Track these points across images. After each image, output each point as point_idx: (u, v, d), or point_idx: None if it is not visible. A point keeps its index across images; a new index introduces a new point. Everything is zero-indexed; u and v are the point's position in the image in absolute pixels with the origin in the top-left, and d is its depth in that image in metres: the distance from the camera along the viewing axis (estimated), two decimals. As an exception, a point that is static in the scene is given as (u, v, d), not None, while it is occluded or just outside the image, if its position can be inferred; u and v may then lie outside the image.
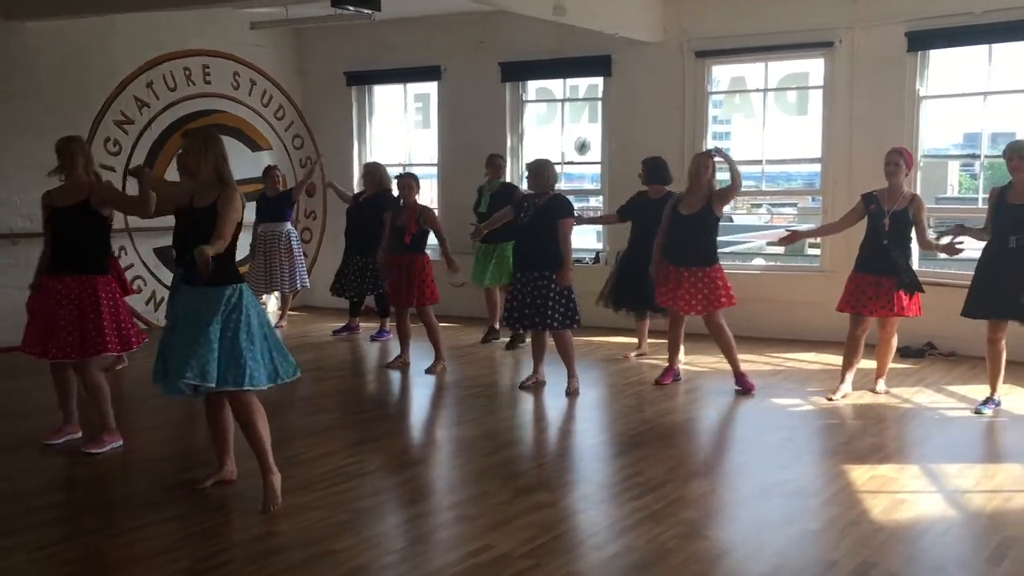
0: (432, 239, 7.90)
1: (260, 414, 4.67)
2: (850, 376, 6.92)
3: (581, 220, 8.29)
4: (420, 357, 8.03)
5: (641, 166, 8.11)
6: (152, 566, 4.00)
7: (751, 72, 9.44)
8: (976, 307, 6.36)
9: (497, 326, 9.06)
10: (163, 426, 6.21)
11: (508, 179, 9.58)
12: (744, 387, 7.09)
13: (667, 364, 7.39)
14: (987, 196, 6.69)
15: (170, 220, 4.82)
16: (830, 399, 6.79)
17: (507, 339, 8.85)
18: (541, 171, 7.01)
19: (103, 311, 5.46)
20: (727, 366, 7.18)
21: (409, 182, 7.78)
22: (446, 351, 8.00)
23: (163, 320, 9.18)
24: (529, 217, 6.98)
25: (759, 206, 10.40)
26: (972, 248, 6.80)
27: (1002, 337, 6.32)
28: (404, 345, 8.10)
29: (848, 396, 6.86)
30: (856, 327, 6.82)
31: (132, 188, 8.55)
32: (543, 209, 6.92)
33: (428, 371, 7.79)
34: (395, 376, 7.89)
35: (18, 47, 8.70)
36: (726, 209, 7.76)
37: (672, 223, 7.12)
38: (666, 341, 7.46)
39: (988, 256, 6.37)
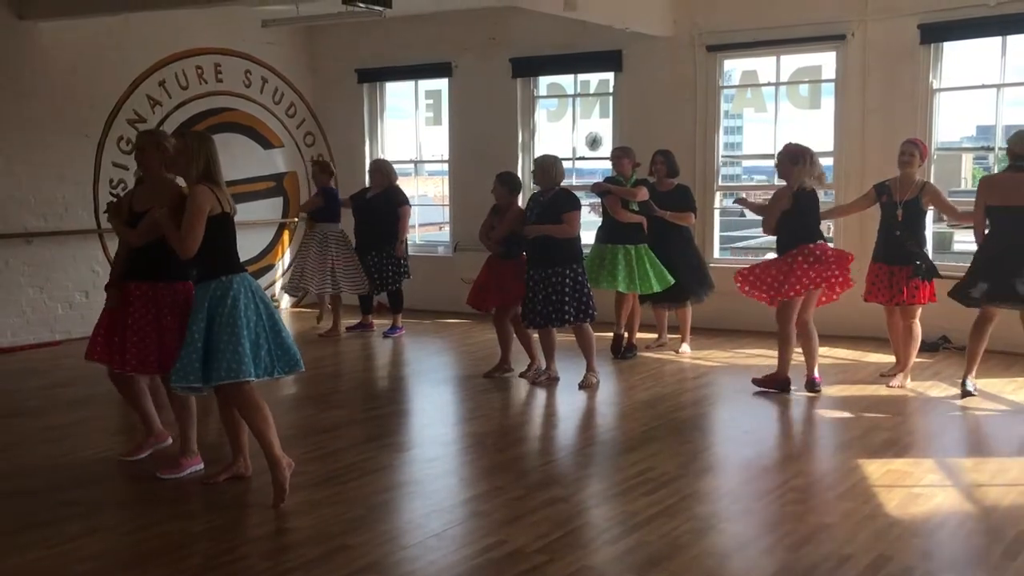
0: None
1: (255, 406, 4.65)
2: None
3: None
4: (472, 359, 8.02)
5: (661, 158, 8.09)
6: (168, 562, 4.02)
7: (763, 66, 9.39)
8: None
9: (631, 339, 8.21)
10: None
11: (519, 174, 9.48)
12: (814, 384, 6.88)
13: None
14: None
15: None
16: (889, 386, 6.86)
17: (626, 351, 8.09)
18: (547, 168, 6.96)
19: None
20: (741, 361, 7.17)
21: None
22: (460, 346, 7.92)
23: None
24: (535, 216, 6.97)
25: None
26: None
27: None
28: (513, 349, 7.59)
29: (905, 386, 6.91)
30: (889, 316, 6.96)
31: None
32: (549, 206, 6.90)
33: (544, 378, 7.27)
34: (407, 372, 7.90)
35: (31, 47, 8.73)
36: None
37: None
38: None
39: None
